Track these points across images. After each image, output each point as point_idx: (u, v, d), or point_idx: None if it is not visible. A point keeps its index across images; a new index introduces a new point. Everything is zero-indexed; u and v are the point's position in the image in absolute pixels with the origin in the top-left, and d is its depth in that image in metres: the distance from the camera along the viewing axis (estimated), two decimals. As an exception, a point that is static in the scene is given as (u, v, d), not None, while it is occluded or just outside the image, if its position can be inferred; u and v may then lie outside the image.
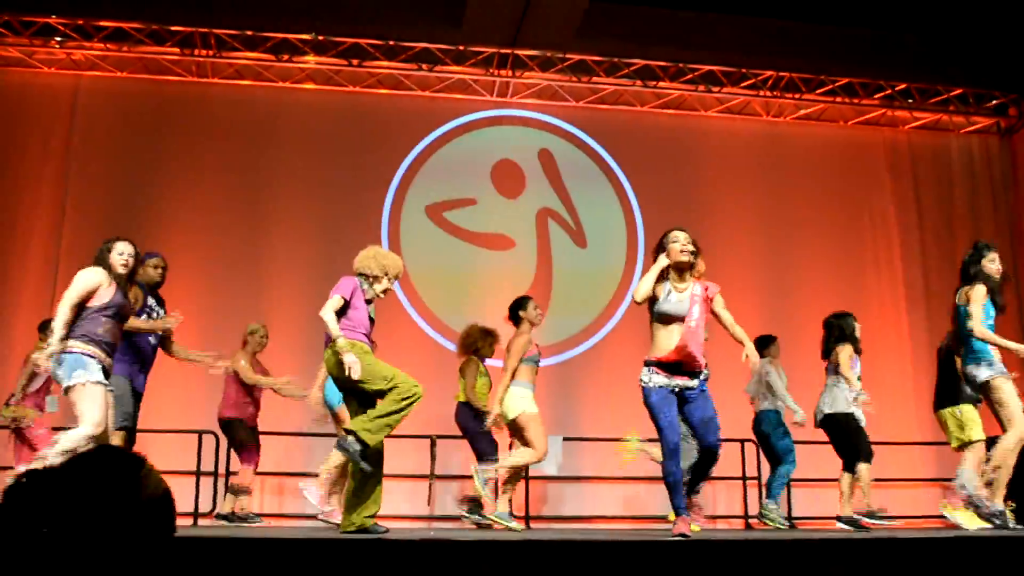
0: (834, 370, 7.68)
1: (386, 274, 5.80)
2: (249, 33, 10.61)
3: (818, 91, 11.77)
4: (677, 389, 5.30)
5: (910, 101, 12.00)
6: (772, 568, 3.96)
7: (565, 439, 8.71)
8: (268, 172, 10.66)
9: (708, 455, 5.42)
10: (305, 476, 7.83)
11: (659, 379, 5.28)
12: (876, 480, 9.25)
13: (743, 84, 11.63)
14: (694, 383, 5.31)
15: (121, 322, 5.67)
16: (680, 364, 5.27)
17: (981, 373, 6.23)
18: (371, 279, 5.80)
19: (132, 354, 6.44)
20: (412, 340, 10.19)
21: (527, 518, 9.44)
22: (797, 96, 11.75)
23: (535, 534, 6.40)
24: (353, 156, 10.88)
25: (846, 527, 7.46)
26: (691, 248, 5.43)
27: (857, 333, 7.79)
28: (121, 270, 5.67)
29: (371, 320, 5.80)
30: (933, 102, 12.04)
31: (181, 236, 10.32)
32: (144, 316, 6.53)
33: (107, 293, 5.58)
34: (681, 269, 5.43)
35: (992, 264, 6.37)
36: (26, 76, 10.64)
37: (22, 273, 9.93)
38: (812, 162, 11.87)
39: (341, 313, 5.65)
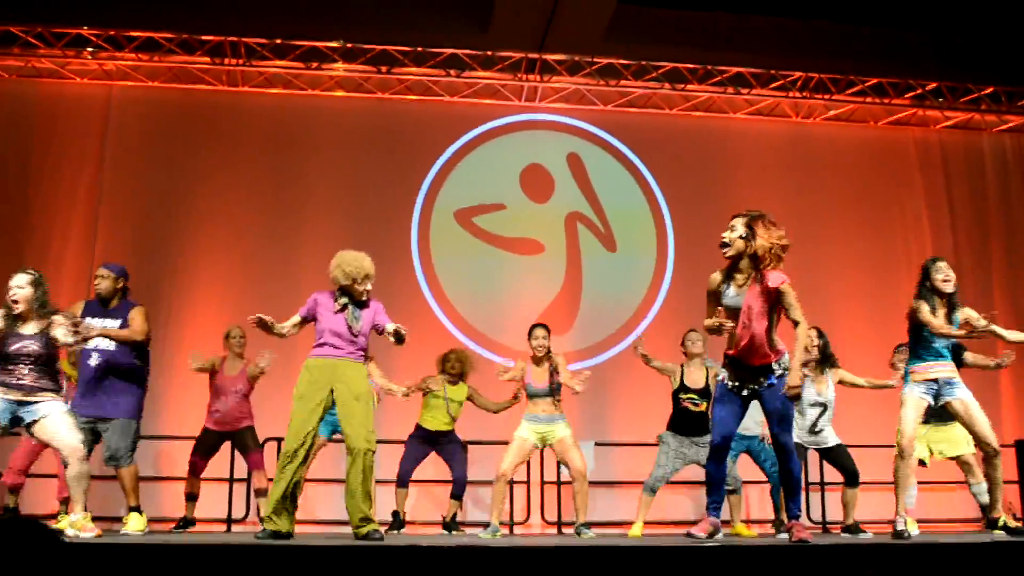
0: None
1: (353, 279, 5.80)
2: (278, 41, 10.68)
3: (848, 91, 11.69)
4: (741, 388, 5.38)
5: (941, 100, 11.90)
6: (804, 573, 3.95)
7: (596, 444, 8.71)
8: (298, 179, 10.72)
9: (777, 451, 5.40)
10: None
11: (724, 374, 5.45)
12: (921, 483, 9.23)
13: (772, 86, 11.57)
14: (760, 380, 5.35)
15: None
16: (738, 360, 5.35)
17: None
18: (342, 288, 5.84)
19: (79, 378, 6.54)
20: (441, 345, 10.20)
21: (559, 523, 9.44)
22: (827, 97, 11.68)
23: (567, 540, 6.39)
24: (382, 162, 10.92)
25: (849, 535, 7.41)
26: (724, 239, 5.69)
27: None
28: (12, 307, 5.61)
29: (350, 327, 5.78)
30: (964, 101, 11.93)
31: (213, 243, 10.42)
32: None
33: None
34: (736, 264, 5.58)
35: (938, 275, 6.32)
36: (59, 87, 10.77)
37: (57, 282, 9.96)
38: (843, 163, 11.79)
39: (316, 328, 5.85)
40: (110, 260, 10.06)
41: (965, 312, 6.21)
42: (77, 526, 5.65)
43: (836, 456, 7.53)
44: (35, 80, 10.75)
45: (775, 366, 5.32)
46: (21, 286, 5.64)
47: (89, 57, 10.61)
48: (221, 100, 10.94)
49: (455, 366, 8.27)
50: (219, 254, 10.41)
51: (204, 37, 10.57)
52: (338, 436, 8.00)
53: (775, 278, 5.38)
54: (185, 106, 10.85)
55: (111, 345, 6.49)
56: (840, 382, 7.60)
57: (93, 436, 6.46)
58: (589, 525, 7.48)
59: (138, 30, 10.44)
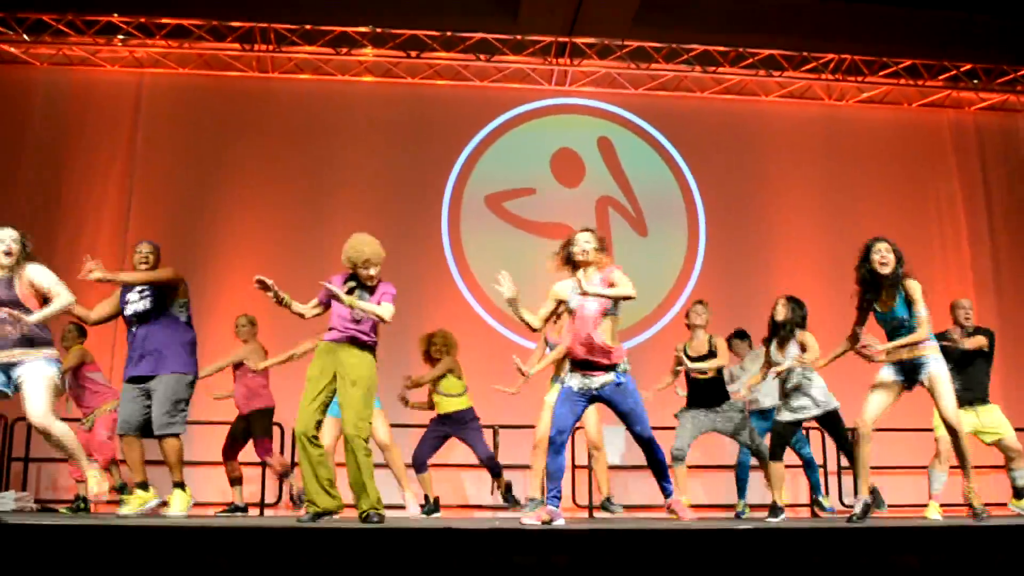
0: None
1: (355, 264, 5.77)
2: (308, 27, 10.68)
3: (881, 73, 11.57)
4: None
5: (976, 82, 11.74)
6: (836, 555, 3.92)
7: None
8: (329, 164, 10.74)
9: (642, 446, 5.74)
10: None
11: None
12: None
13: (804, 68, 11.47)
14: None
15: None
16: (586, 363, 5.66)
17: None
18: (350, 273, 5.82)
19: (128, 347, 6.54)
20: (473, 329, 10.21)
21: (590, 507, 9.43)
22: (859, 79, 11.56)
23: (599, 523, 6.39)
24: (412, 147, 10.92)
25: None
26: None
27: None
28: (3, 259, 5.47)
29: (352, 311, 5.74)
30: (1000, 82, 11.77)
31: (243, 229, 10.46)
32: (125, 307, 6.57)
33: None
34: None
35: (876, 255, 6.21)
36: (91, 74, 10.84)
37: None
38: (876, 146, 11.67)
39: None
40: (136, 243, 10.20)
41: (910, 287, 6.09)
42: (94, 483, 5.52)
43: (828, 423, 7.32)
44: (67, 68, 10.83)
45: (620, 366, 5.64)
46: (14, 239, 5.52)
47: (120, 44, 10.66)
48: (251, 86, 10.97)
49: (441, 350, 8.16)
50: (249, 239, 10.44)
51: (233, 23, 10.60)
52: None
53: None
54: (215, 92, 10.89)
55: (146, 304, 6.52)
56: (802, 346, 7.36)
57: (147, 401, 6.45)
58: (614, 503, 7.51)
59: (168, 17, 10.47)
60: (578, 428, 7.79)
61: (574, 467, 9.62)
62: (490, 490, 8.52)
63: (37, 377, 5.34)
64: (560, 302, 5.75)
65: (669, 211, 11.22)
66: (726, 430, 7.59)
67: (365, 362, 5.65)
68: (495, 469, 8.12)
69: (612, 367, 5.56)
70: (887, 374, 6.08)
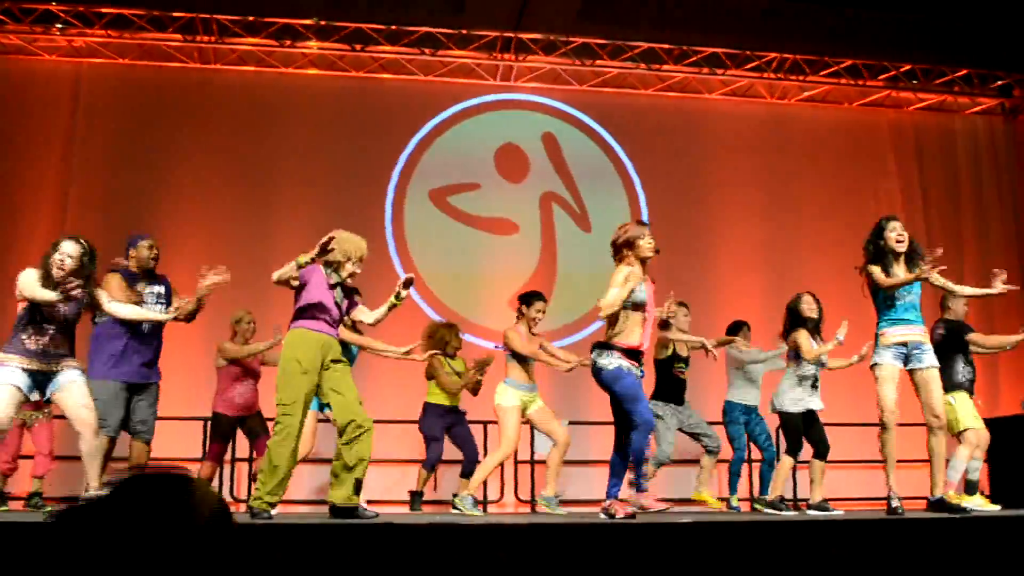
0: (794, 356, 7.51)
1: (348, 258, 5.74)
2: (251, 19, 10.57)
3: (822, 73, 11.72)
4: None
5: (914, 82, 11.95)
6: (774, 550, 3.96)
7: (570, 423, 8.69)
8: (271, 158, 10.64)
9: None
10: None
11: (624, 362, 5.63)
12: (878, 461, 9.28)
13: (747, 66, 11.59)
14: (641, 369, 5.79)
15: (46, 322, 5.46)
16: (640, 354, 5.73)
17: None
18: (335, 264, 5.76)
19: (120, 349, 6.29)
20: (416, 324, 10.17)
21: (532, 502, 9.45)
22: (801, 78, 11.71)
23: (541, 518, 6.40)
24: (356, 141, 10.85)
25: (817, 513, 7.38)
26: (655, 245, 5.95)
27: (811, 313, 7.63)
28: (54, 270, 5.53)
29: (338, 306, 5.74)
30: (938, 83, 11.99)
31: (184, 222, 10.32)
32: (148, 304, 6.42)
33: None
34: (646, 263, 5.90)
35: (891, 234, 6.32)
36: (28, 64, 10.63)
37: (26, 262, 9.84)
38: (817, 144, 11.83)
39: (301, 299, 5.68)
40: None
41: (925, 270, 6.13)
42: None
43: (816, 425, 7.47)
44: (2, 57, 10.60)
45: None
46: (71, 255, 5.54)
47: (58, 33, 10.47)
48: (193, 78, 10.83)
49: (455, 344, 8.23)
50: (191, 233, 10.31)
51: (175, 14, 10.44)
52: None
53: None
54: (156, 84, 10.73)
55: (161, 311, 6.45)
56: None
57: (128, 402, 6.35)
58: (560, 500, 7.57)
59: (108, 6, 10.29)
60: (527, 422, 7.83)
61: (516, 462, 9.64)
62: (433, 486, 8.52)
63: (85, 387, 5.50)
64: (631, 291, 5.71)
65: (613, 207, 11.26)
66: (695, 427, 7.89)
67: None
68: (472, 471, 8.12)
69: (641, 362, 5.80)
70: (891, 360, 6.12)
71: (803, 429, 7.43)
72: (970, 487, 7.55)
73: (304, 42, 10.83)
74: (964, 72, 11.91)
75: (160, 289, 6.58)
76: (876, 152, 12.00)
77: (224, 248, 10.21)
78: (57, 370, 5.45)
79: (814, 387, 7.42)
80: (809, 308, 7.50)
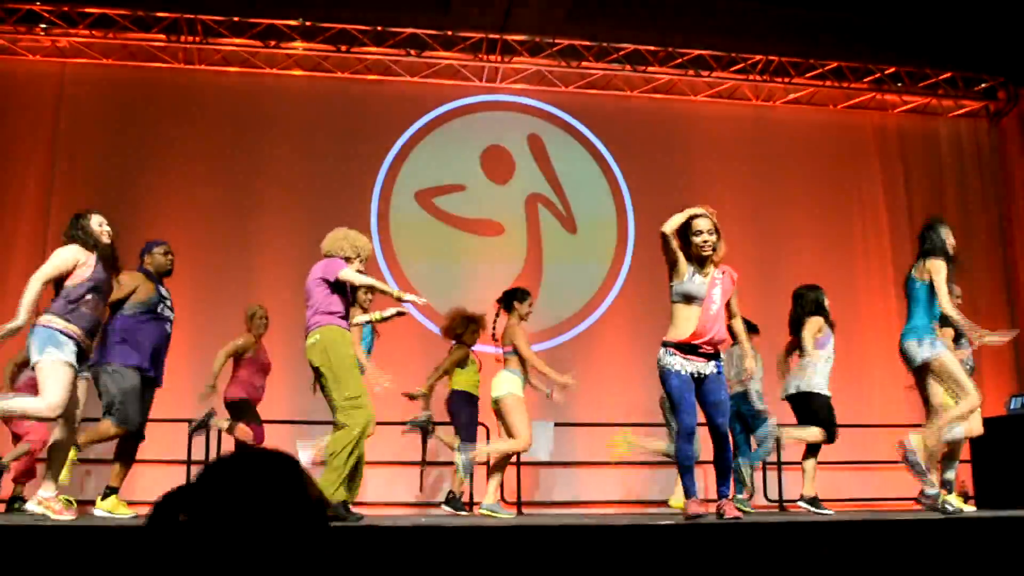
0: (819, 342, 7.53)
1: (358, 255, 5.76)
2: (236, 19, 10.53)
3: (807, 75, 11.75)
4: (696, 373, 5.43)
5: (899, 85, 11.99)
6: (763, 550, 3.97)
7: (556, 424, 8.71)
8: (256, 159, 10.60)
9: (716, 438, 5.52)
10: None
11: (677, 361, 5.40)
12: (870, 463, 9.32)
13: (732, 68, 11.61)
14: (710, 366, 5.45)
15: (103, 299, 5.53)
16: (696, 347, 5.41)
17: (923, 352, 6.19)
18: (345, 261, 5.76)
19: (148, 343, 6.27)
20: (401, 326, 10.14)
21: (519, 503, 9.45)
22: (786, 80, 11.73)
23: (527, 519, 6.40)
24: (342, 143, 10.82)
25: (809, 507, 7.39)
26: (713, 240, 5.58)
27: (826, 305, 7.66)
28: (106, 239, 5.53)
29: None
30: (922, 86, 12.03)
31: (168, 223, 10.24)
32: (160, 306, 6.42)
33: (86, 269, 5.44)
34: (703, 261, 5.57)
35: (949, 239, 6.32)
36: (11, 64, 10.55)
37: (9, 262, 9.84)
38: (801, 146, 11.86)
39: (330, 297, 5.65)
40: (62, 240, 9.96)
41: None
42: (45, 504, 5.37)
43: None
44: (-15, 57, 10.55)
45: (722, 355, 5.60)
46: (102, 223, 5.65)
47: (41, 33, 10.41)
48: (177, 79, 10.78)
49: (476, 330, 8.21)
50: (176, 235, 10.14)
51: (159, 14, 10.39)
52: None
53: (733, 273, 5.74)
54: (140, 84, 10.68)
55: (173, 317, 6.56)
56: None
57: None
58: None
59: (92, 6, 10.24)
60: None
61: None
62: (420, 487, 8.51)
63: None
64: (674, 263, 5.56)
65: (598, 209, 11.27)
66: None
67: None
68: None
69: (716, 355, 5.51)
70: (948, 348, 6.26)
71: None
72: (945, 486, 7.56)
73: (289, 43, 10.79)
74: (948, 75, 11.95)
75: (167, 293, 6.62)
76: (861, 154, 12.03)
77: (208, 248, 10.18)
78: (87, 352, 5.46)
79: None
80: (827, 301, 7.58)
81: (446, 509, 7.94)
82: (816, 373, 7.41)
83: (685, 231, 5.57)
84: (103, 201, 10.04)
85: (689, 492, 5.44)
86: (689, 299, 5.47)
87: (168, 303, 6.53)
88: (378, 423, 8.41)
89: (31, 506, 5.44)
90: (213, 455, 8.91)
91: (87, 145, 10.42)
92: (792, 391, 7.47)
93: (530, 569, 3.68)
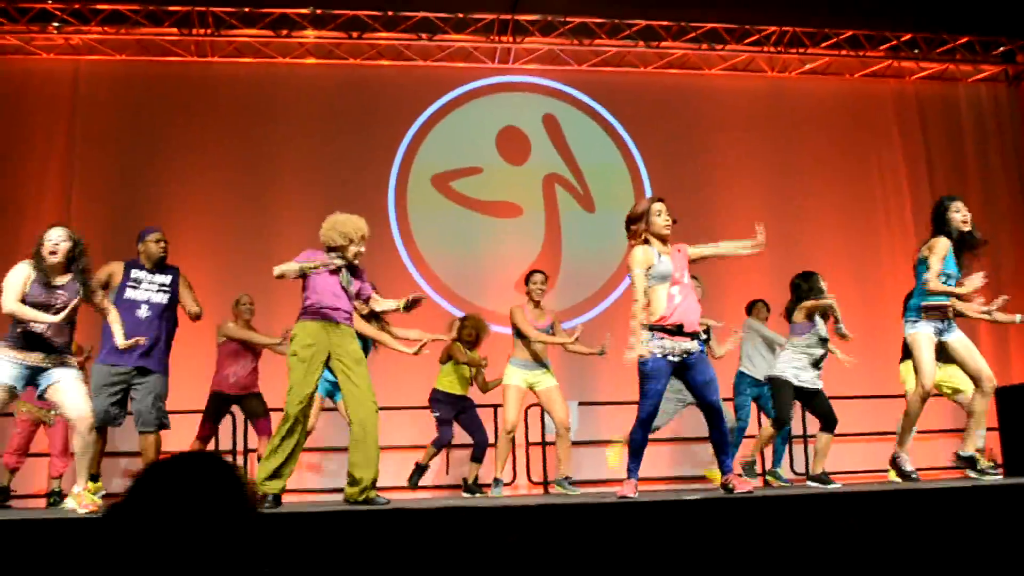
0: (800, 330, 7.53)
1: (350, 240, 5.75)
2: (247, 10, 10.53)
3: (823, 45, 11.64)
4: (678, 355, 5.46)
5: (916, 51, 11.86)
6: (788, 522, 3.96)
7: (580, 404, 8.71)
8: (272, 148, 10.62)
9: (712, 414, 5.61)
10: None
11: (659, 344, 5.44)
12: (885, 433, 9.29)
13: (747, 41, 11.52)
14: (693, 344, 5.51)
15: (44, 309, 5.41)
16: (680, 326, 5.46)
17: (905, 330, 6.31)
18: (337, 249, 5.77)
19: (110, 336, 6.26)
20: (421, 310, 10.15)
21: (545, 483, 9.47)
22: (802, 51, 11.63)
23: (553, 499, 6.41)
24: (357, 129, 10.82)
25: (816, 485, 7.38)
26: (671, 219, 5.73)
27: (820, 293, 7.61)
28: (50, 259, 5.54)
29: (345, 290, 5.76)
30: (939, 51, 11.89)
31: (187, 215, 10.32)
32: (127, 290, 6.41)
33: (28, 287, 5.46)
34: (664, 238, 5.69)
35: (957, 214, 6.26)
36: (25, 63, 10.61)
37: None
38: (819, 117, 11.76)
39: (305, 290, 5.74)
40: (84, 234, 9.99)
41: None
42: (77, 499, 5.48)
43: (820, 400, 7.46)
44: (0, 57, 10.58)
45: (703, 335, 5.77)
46: (62, 239, 5.55)
47: (55, 32, 10.45)
48: (191, 71, 10.81)
49: (472, 333, 8.25)
50: (194, 225, 10.31)
51: (171, 8, 10.40)
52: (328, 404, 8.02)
53: (682, 246, 5.82)
54: (154, 79, 10.71)
55: (163, 300, 6.48)
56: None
57: (125, 390, 6.34)
58: (573, 481, 7.56)
59: (103, 3, 10.26)
60: (534, 405, 7.86)
61: (528, 444, 9.67)
62: (446, 470, 8.56)
63: (80, 382, 5.54)
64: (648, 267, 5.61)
65: (615, 186, 11.23)
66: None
67: (356, 339, 5.80)
68: (482, 456, 8.16)
69: (696, 335, 5.55)
70: (929, 329, 6.15)
71: (806, 404, 7.48)
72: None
73: (301, 31, 10.79)
74: (966, 39, 11.82)
75: (166, 279, 6.57)
76: (879, 123, 11.93)
77: (227, 238, 10.24)
78: (52, 364, 5.46)
79: (816, 366, 7.40)
80: (826, 286, 7.51)
81: (465, 495, 8.06)
82: (779, 359, 7.51)
83: (643, 217, 5.74)
84: (121, 195, 10.17)
85: (631, 474, 5.55)
86: (665, 278, 5.55)
87: (145, 284, 6.47)
88: (399, 408, 8.54)
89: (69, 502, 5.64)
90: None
91: (104, 141, 10.46)
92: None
93: (557, 548, 3.68)
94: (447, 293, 10.55)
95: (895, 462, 6.47)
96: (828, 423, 7.41)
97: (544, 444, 9.47)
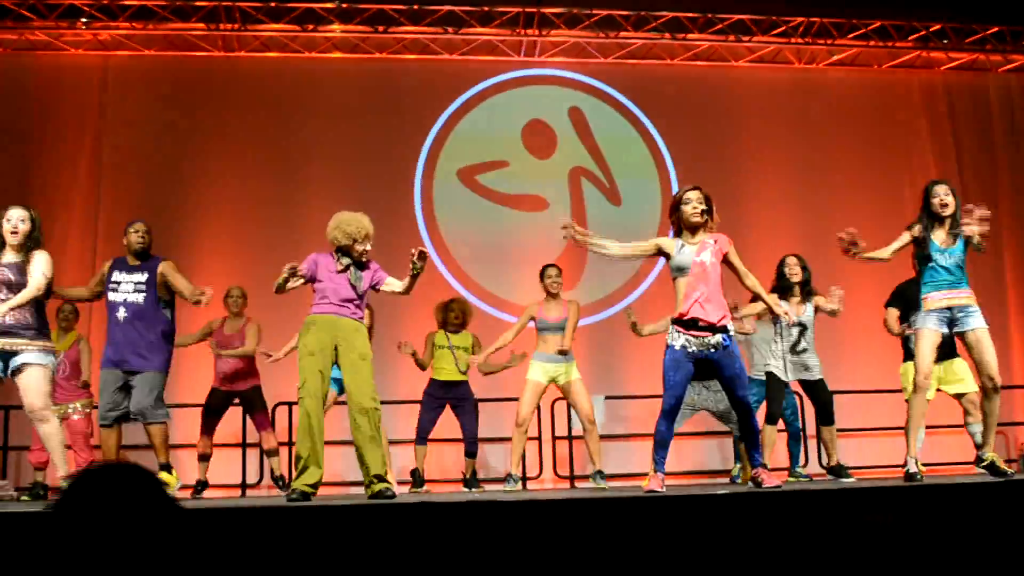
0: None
1: (353, 239, 5.78)
2: (273, 4, 10.57)
3: (850, 35, 11.55)
4: (699, 349, 5.43)
5: (945, 42, 11.75)
6: (820, 517, 3.94)
7: (607, 398, 8.69)
8: (299, 143, 10.66)
9: (740, 408, 5.56)
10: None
11: (680, 339, 5.45)
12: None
13: (774, 32, 11.44)
14: (717, 338, 5.44)
15: (9, 292, 5.52)
16: (697, 320, 5.43)
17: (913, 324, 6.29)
18: (342, 248, 5.82)
19: (112, 334, 6.48)
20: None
21: (571, 477, 9.48)
22: (829, 42, 11.54)
23: (579, 492, 6.40)
24: (383, 123, 10.84)
25: (833, 477, 7.38)
26: (703, 207, 5.60)
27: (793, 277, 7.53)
28: (10, 238, 5.57)
29: (353, 287, 5.77)
30: (969, 41, 11.78)
31: (216, 209, 10.40)
32: (109, 292, 6.53)
33: None
34: (694, 228, 5.62)
35: (935, 199, 6.18)
36: (55, 59, 10.70)
37: (62, 256, 9.94)
38: (847, 108, 11.68)
39: (314, 290, 5.84)
40: (113, 230, 10.08)
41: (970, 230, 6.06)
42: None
43: (818, 390, 7.43)
44: (30, 53, 10.69)
45: (730, 327, 5.55)
46: (21, 219, 5.65)
47: (83, 27, 10.53)
48: (217, 66, 10.86)
49: (459, 316, 8.26)
50: (221, 220, 10.38)
51: (198, 3, 10.47)
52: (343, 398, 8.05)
53: (723, 238, 5.72)
54: (182, 74, 10.78)
55: (139, 299, 6.51)
56: (816, 307, 7.48)
57: (125, 391, 6.46)
58: (604, 475, 7.54)
59: (131, -2, 10.35)
60: (559, 399, 7.84)
61: (554, 438, 9.67)
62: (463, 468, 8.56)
63: (39, 368, 5.52)
64: (662, 252, 5.65)
65: (642, 180, 11.20)
66: (719, 410, 7.63)
67: (365, 335, 5.81)
68: (474, 449, 8.16)
69: (723, 328, 5.48)
70: (932, 322, 6.03)
71: (807, 394, 7.54)
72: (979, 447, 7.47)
73: (327, 26, 10.82)
74: (996, 29, 11.69)
75: (142, 277, 6.59)
76: (908, 114, 11.83)
77: (255, 232, 10.29)
78: (17, 348, 5.50)
79: (794, 351, 7.36)
80: (789, 271, 7.45)
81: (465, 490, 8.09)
82: (757, 353, 7.71)
83: (677, 206, 5.68)
84: (149, 189, 10.25)
85: (657, 467, 5.57)
86: (682, 270, 5.52)
87: (124, 285, 6.55)
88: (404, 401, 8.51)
89: None
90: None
91: (133, 136, 10.54)
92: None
93: (584, 542, 3.68)
94: (472, 286, 10.56)
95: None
96: (823, 415, 7.39)
97: (571, 438, 9.46)
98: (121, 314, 6.48)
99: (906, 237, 6.24)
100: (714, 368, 5.52)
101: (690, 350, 5.44)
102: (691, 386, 7.38)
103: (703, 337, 5.43)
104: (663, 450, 5.59)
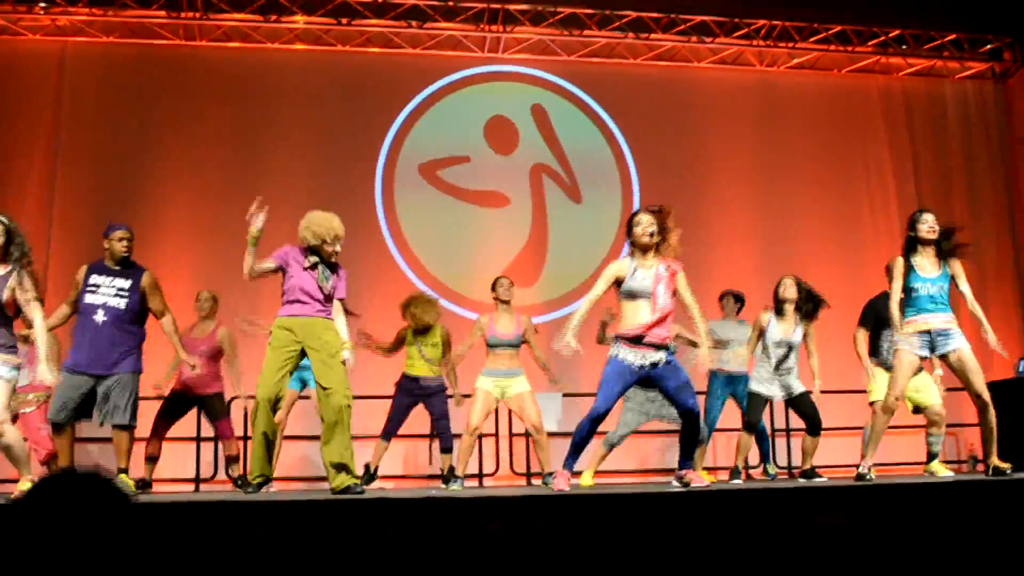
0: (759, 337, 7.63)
1: (323, 240, 5.77)
2: (235, -6, 10.49)
3: (811, 39, 11.66)
4: (644, 364, 5.53)
5: (904, 47, 11.89)
6: (771, 516, 3.98)
7: (564, 395, 8.70)
8: (259, 134, 10.58)
9: (689, 417, 5.66)
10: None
11: (626, 353, 5.55)
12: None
13: (736, 34, 11.52)
14: (660, 355, 5.55)
15: None
16: (642, 337, 5.51)
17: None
18: (313, 247, 5.80)
19: (80, 338, 6.43)
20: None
21: (528, 475, 9.49)
22: (790, 45, 11.65)
23: (536, 490, 6.42)
24: (344, 116, 10.79)
25: (803, 479, 7.49)
26: (652, 229, 5.63)
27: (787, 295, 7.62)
28: None
29: (321, 287, 5.75)
30: (927, 48, 11.94)
31: (173, 200, 10.29)
32: (86, 295, 6.45)
33: None
34: (644, 248, 5.64)
35: (923, 226, 6.28)
36: (11, 44, 10.53)
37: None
38: (807, 111, 11.79)
39: (284, 286, 5.84)
40: (67, 220, 9.99)
41: (955, 267, 6.20)
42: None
43: (801, 404, 7.53)
44: (-14, 37, 10.52)
45: (672, 346, 5.77)
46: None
47: (41, 12, 10.37)
48: (179, 55, 10.75)
49: (415, 322, 8.13)
50: (180, 211, 10.28)
51: (159, -9, 10.37)
52: (305, 392, 7.99)
53: (676, 265, 5.72)
54: (142, 62, 10.65)
55: (120, 304, 6.47)
56: (805, 335, 7.56)
57: (89, 394, 6.38)
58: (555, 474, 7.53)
59: (91, -16, 10.22)
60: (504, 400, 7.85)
61: (511, 435, 9.68)
62: (428, 461, 8.52)
63: (3, 385, 5.43)
64: (618, 280, 5.66)
65: (603, 178, 11.25)
66: (672, 416, 7.63)
67: (335, 333, 5.81)
68: (449, 445, 8.04)
69: (666, 347, 5.57)
70: (912, 346, 6.15)
71: (792, 406, 7.69)
72: (931, 456, 7.58)
73: (290, 17, 10.75)
74: (953, 36, 11.86)
75: (125, 283, 6.54)
76: (866, 118, 11.96)
77: (213, 225, 10.17)
78: None
79: (779, 369, 7.45)
80: (783, 291, 7.52)
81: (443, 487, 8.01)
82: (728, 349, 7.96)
83: (630, 226, 5.74)
84: (107, 179, 10.13)
85: (567, 465, 5.74)
86: (633, 296, 5.57)
87: (104, 288, 6.49)
88: (378, 397, 8.46)
89: None
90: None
91: (90, 123, 10.41)
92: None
93: (538, 539, 3.69)
94: (433, 282, 10.53)
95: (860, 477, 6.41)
96: (812, 427, 7.48)
97: (528, 435, 9.47)
98: (100, 317, 6.41)
99: (900, 264, 6.29)
100: (659, 383, 5.64)
101: (635, 366, 5.54)
102: (645, 393, 7.45)
103: (646, 353, 5.53)
104: (578, 452, 5.76)
